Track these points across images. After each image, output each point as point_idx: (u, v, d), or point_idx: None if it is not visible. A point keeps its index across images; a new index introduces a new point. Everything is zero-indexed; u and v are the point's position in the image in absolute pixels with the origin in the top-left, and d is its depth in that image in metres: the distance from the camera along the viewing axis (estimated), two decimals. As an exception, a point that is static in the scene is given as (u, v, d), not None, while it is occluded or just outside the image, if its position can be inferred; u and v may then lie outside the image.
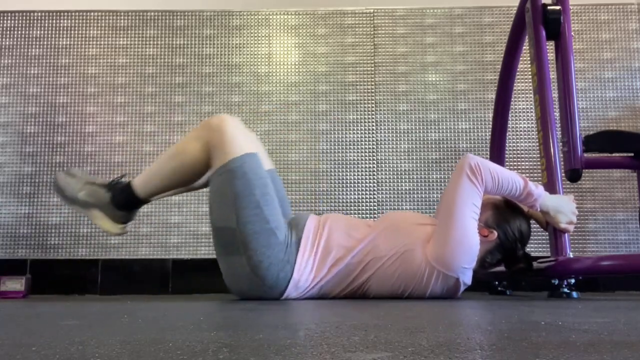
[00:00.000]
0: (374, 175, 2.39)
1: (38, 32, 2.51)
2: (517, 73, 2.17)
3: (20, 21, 2.52)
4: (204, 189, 1.61)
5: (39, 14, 2.52)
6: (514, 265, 1.51)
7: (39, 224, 2.34)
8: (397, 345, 0.50)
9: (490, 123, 2.26)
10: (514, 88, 2.20)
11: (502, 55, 2.14)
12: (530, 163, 2.39)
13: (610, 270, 1.57)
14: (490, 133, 2.23)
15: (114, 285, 2.29)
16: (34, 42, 2.50)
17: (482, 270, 1.50)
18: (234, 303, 1.30)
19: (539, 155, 1.66)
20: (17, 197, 2.37)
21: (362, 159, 2.40)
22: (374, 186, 2.38)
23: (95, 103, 2.45)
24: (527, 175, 2.33)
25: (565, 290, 1.50)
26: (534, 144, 2.39)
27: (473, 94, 2.44)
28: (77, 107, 2.45)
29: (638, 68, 2.44)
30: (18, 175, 2.39)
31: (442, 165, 2.39)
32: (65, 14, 2.53)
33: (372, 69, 2.47)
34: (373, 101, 2.45)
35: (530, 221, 1.65)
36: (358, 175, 2.39)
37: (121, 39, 2.50)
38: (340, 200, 2.36)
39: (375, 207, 2.36)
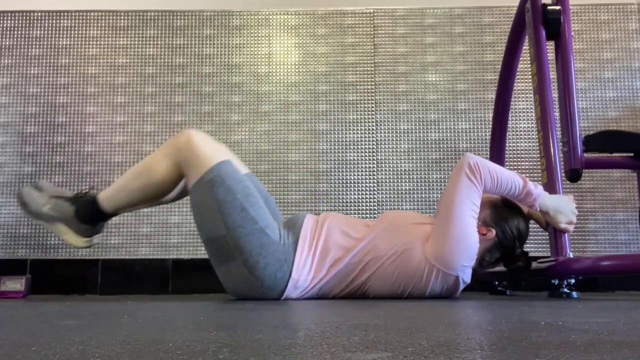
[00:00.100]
0: (374, 175, 2.39)
1: (38, 32, 2.51)
2: (517, 73, 2.17)
3: (20, 21, 2.52)
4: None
5: (39, 14, 2.52)
6: (512, 263, 1.52)
7: (39, 224, 2.34)
8: (397, 345, 0.50)
9: (490, 123, 2.26)
10: (514, 88, 2.20)
11: (502, 55, 2.14)
12: (530, 163, 2.39)
13: (610, 270, 1.57)
14: (490, 133, 2.23)
15: (114, 285, 2.29)
16: (34, 42, 2.50)
17: (480, 268, 1.50)
18: (234, 303, 1.30)
19: (539, 155, 1.66)
20: (17, 197, 2.36)
21: (362, 159, 2.40)
22: (374, 186, 2.38)
23: (95, 103, 2.45)
24: (527, 175, 2.33)
25: (565, 290, 1.50)
26: (534, 144, 2.39)
27: (473, 94, 2.44)
28: (77, 107, 2.45)
29: (638, 68, 2.44)
30: (18, 175, 2.39)
31: (442, 165, 2.39)
32: (65, 14, 2.53)
33: (372, 69, 2.47)
34: (373, 101, 2.45)
35: (530, 221, 1.65)
36: (358, 175, 2.39)
37: (121, 39, 2.50)
38: (340, 200, 2.36)
39: (375, 207, 2.36)
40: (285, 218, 1.58)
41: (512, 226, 1.48)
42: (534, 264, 1.54)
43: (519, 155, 2.40)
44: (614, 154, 1.76)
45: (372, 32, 2.50)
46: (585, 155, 1.64)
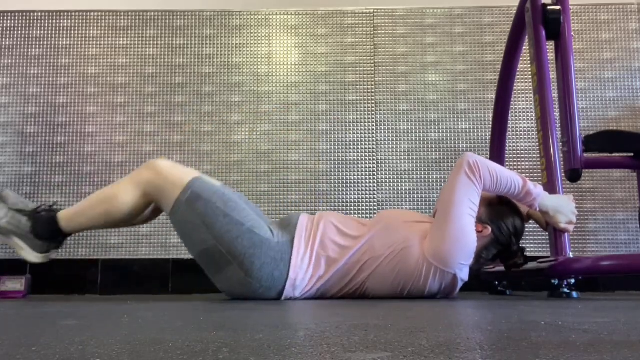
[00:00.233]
0: (374, 175, 2.39)
1: (38, 32, 2.51)
2: (517, 73, 2.17)
3: (20, 21, 2.52)
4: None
5: (39, 14, 2.52)
6: (510, 260, 1.52)
7: None
8: (397, 345, 0.50)
9: (490, 123, 2.26)
10: (514, 88, 2.20)
11: (502, 55, 2.14)
12: (530, 163, 2.39)
13: (610, 270, 1.57)
14: (490, 133, 2.23)
15: (114, 285, 2.29)
16: (34, 42, 2.50)
17: (477, 265, 1.50)
18: (234, 303, 1.30)
19: (539, 155, 1.66)
20: (17, 197, 2.36)
21: (362, 159, 2.40)
22: (374, 186, 2.38)
23: (95, 103, 2.45)
24: (527, 175, 2.33)
25: (565, 290, 1.50)
26: (534, 144, 2.39)
27: (473, 94, 2.44)
28: (77, 107, 2.45)
29: (638, 68, 2.44)
30: (18, 175, 2.39)
31: (442, 165, 2.39)
32: (65, 14, 2.53)
33: (372, 69, 2.47)
34: (373, 101, 2.45)
35: (530, 221, 1.66)
36: (358, 175, 2.39)
37: (121, 39, 2.50)
38: (340, 200, 2.36)
39: (375, 207, 2.36)
40: (279, 218, 1.59)
41: (507, 223, 1.49)
42: (534, 264, 1.55)
43: (519, 155, 2.40)
44: (614, 154, 1.76)
45: (372, 32, 2.50)
46: (585, 155, 1.64)
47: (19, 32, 2.51)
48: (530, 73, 1.99)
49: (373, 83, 2.46)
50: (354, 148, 2.41)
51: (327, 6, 2.52)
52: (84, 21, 2.52)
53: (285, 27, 2.52)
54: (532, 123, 2.42)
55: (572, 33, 2.19)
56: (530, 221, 1.66)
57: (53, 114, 2.44)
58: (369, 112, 2.44)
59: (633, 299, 1.46)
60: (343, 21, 2.51)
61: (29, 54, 2.49)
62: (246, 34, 2.51)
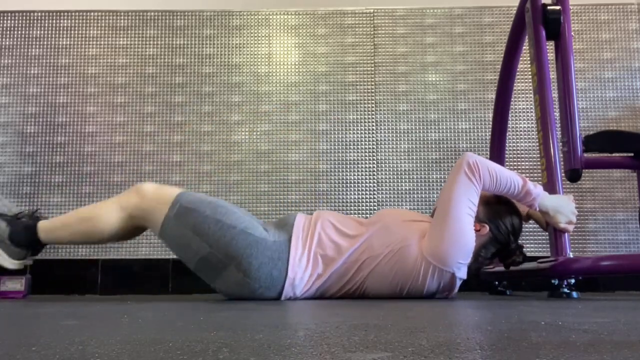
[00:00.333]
0: (374, 175, 2.39)
1: (38, 32, 2.51)
2: (517, 73, 2.17)
3: (20, 21, 2.51)
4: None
5: (39, 14, 2.52)
6: (508, 258, 1.53)
7: None
8: (397, 345, 0.50)
9: (490, 123, 2.26)
10: (514, 88, 2.20)
11: (502, 55, 2.14)
12: (530, 163, 2.39)
13: (610, 270, 1.57)
14: (490, 133, 2.23)
15: (114, 285, 2.29)
16: (34, 42, 2.50)
17: (476, 264, 1.50)
18: (234, 303, 1.30)
19: (539, 155, 1.66)
20: (17, 197, 2.37)
21: (362, 159, 2.40)
22: (374, 186, 2.38)
23: (95, 103, 2.45)
24: (527, 175, 2.33)
25: (565, 290, 1.50)
26: (534, 144, 2.39)
27: (473, 94, 2.44)
28: (77, 107, 2.45)
29: (638, 68, 2.44)
30: (18, 175, 2.39)
31: (442, 165, 2.39)
32: (65, 14, 2.53)
33: (372, 69, 2.47)
34: (373, 101, 2.45)
35: (530, 221, 1.66)
36: (358, 175, 2.39)
37: (121, 39, 2.50)
38: (340, 200, 2.36)
39: (375, 207, 2.36)
40: (277, 219, 1.60)
41: (506, 222, 1.49)
42: (534, 264, 1.55)
43: (519, 155, 2.40)
44: (614, 154, 1.76)
45: (372, 32, 2.50)
46: (585, 155, 1.64)
47: (19, 32, 2.51)
48: (530, 73, 1.99)
49: (373, 83, 2.46)
50: (354, 148, 2.41)
51: (327, 6, 2.52)
52: (84, 21, 2.52)
53: (285, 27, 2.52)
54: (532, 123, 2.42)
55: (572, 33, 2.19)
56: (530, 221, 1.66)
57: (53, 114, 2.44)
58: (369, 112, 2.44)
59: (633, 299, 1.46)
60: (343, 21, 2.51)
61: (29, 54, 2.49)
62: (246, 34, 2.51)
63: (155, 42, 2.50)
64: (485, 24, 2.49)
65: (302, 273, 1.42)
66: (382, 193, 2.37)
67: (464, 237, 1.39)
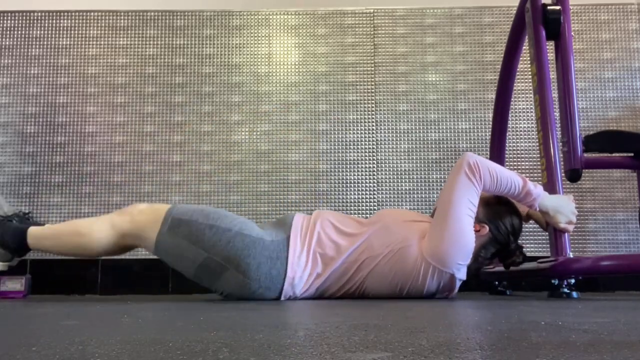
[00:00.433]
0: (374, 175, 2.39)
1: (38, 32, 2.51)
2: (517, 73, 2.17)
3: (20, 21, 2.52)
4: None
5: (39, 14, 2.52)
6: (508, 258, 1.52)
7: None
8: (397, 345, 0.50)
9: (490, 123, 2.26)
10: (514, 88, 2.20)
11: (502, 55, 2.14)
12: (530, 163, 2.39)
13: (610, 270, 1.57)
14: (490, 133, 2.23)
15: (114, 285, 2.29)
16: (34, 42, 2.50)
17: (475, 264, 1.50)
18: (234, 303, 1.30)
19: (539, 155, 1.66)
20: (17, 197, 2.37)
21: (362, 159, 2.40)
22: (374, 186, 2.38)
23: (95, 103, 2.45)
24: (527, 175, 2.33)
25: (565, 290, 1.50)
26: (534, 144, 2.39)
27: (473, 94, 2.44)
28: (77, 107, 2.45)
29: (638, 68, 2.44)
30: (18, 175, 2.39)
31: (442, 165, 2.39)
32: (65, 14, 2.53)
33: (372, 69, 2.47)
34: (373, 101, 2.45)
35: (530, 221, 1.65)
36: (358, 175, 2.39)
37: (121, 39, 2.50)
38: (340, 200, 2.36)
39: (375, 207, 2.36)
40: (276, 219, 1.60)
41: (505, 222, 1.49)
42: (534, 264, 1.55)
43: (519, 155, 2.40)
44: (614, 154, 1.76)
45: (372, 32, 2.50)
46: (585, 155, 1.64)
47: (19, 32, 2.51)
48: (530, 73, 1.99)
49: (373, 83, 2.46)
50: (354, 148, 2.41)
51: (327, 6, 2.52)
52: (84, 21, 2.52)
53: (285, 27, 2.52)
54: (532, 123, 2.42)
55: (572, 33, 2.19)
56: (530, 221, 1.66)
57: (53, 114, 2.44)
58: (369, 112, 2.44)
59: (633, 299, 1.46)
60: (343, 21, 2.51)
61: (29, 54, 2.49)
62: (246, 34, 2.51)
63: (155, 42, 2.50)
64: (485, 24, 2.49)
65: (301, 272, 1.42)
66: (382, 193, 2.37)
67: (463, 237, 1.39)
